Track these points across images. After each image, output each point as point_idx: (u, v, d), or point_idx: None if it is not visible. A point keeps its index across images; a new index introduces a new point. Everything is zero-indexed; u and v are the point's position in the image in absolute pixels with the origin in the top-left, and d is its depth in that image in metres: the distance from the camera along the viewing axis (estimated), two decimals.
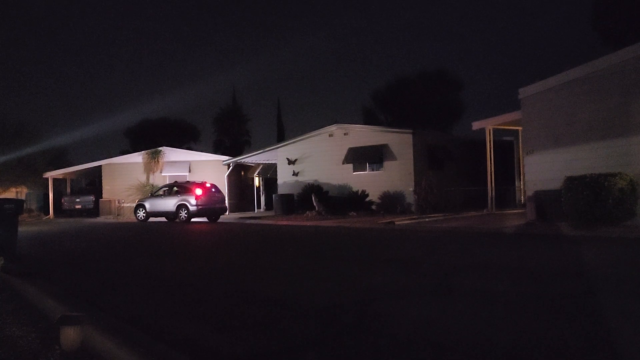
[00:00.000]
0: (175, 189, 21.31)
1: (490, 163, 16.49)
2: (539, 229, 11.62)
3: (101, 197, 27.73)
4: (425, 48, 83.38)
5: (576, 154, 12.34)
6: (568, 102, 12.68)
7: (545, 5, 73.47)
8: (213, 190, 21.05)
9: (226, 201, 21.94)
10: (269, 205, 27.99)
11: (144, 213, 21.26)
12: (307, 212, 19.94)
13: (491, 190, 16.54)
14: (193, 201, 19.93)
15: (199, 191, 20.15)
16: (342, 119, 34.76)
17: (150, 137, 41.07)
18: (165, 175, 26.92)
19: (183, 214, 20.15)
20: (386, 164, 20.40)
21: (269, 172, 28.75)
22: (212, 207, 20.53)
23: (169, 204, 20.66)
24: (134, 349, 3.15)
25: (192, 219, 20.30)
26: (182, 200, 20.22)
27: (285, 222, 17.85)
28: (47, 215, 29.10)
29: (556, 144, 12.84)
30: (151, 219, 21.47)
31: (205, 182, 21.42)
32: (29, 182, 31.84)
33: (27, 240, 12.52)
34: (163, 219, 21.42)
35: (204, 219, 20.81)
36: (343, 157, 21.29)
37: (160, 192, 21.84)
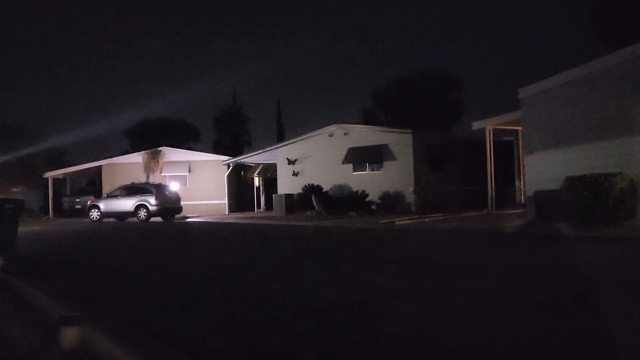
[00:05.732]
0: (132, 189, 22.26)
1: (490, 163, 16.49)
2: (539, 228, 11.61)
3: None
4: (425, 48, 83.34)
5: (576, 154, 12.32)
6: (568, 102, 12.67)
7: (545, 6, 73.44)
8: (169, 191, 22.44)
9: (181, 202, 23.06)
10: (268, 205, 27.98)
11: (97, 213, 22.16)
12: (307, 212, 19.93)
13: (491, 190, 16.53)
14: (153, 201, 21.12)
15: (157, 192, 21.41)
16: (342, 119, 34.84)
17: (150, 137, 41.00)
18: (165, 175, 26.93)
19: (142, 213, 21.24)
20: (386, 164, 20.39)
21: (269, 172, 28.73)
22: (169, 207, 21.86)
23: (127, 204, 21.69)
24: (134, 349, 3.15)
25: (151, 219, 21.35)
26: (141, 200, 21.32)
27: (285, 222, 17.85)
28: (47, 215, 29.08)
29: (556, 144, 12.83)
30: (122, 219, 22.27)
31: (162, 183, 23.07)
32: (29, 182, 31.79)
33: (27, 240, 12.51)
34: (120, 220, 22.38)
35: (159, 219, 21.91)
36: (343, 157, 21.27)
37: (117, 193, 22.64)
